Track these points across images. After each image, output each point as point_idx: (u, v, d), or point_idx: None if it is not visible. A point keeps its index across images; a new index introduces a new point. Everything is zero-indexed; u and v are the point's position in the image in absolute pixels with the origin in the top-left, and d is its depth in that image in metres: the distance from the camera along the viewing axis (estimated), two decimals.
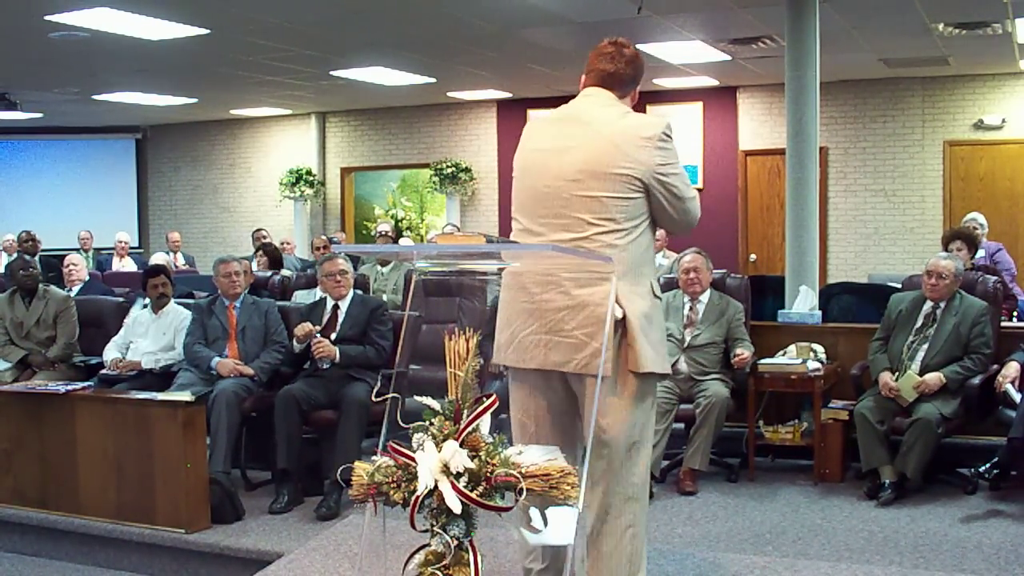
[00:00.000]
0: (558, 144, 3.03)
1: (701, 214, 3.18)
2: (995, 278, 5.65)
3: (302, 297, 7.23)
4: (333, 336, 5.36)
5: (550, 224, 2.99)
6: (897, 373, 5.18)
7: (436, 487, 2.55)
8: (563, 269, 2.95)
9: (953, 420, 5.03)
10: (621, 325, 2.94)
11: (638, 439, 3.04)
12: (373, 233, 12.35)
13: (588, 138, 3.00)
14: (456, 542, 2.56)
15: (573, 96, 3.22)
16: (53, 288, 6.58)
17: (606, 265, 2.87)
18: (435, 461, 2.56)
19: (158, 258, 9.46)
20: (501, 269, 3.14)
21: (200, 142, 15.16)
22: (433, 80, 11.23)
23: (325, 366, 5.28)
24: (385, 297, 7.65)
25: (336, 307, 5.51)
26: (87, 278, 7.87)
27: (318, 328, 5.37)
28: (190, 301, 6.25)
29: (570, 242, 2.94)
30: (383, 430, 2.84)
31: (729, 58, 9.91)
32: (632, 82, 3.16)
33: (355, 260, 8.32)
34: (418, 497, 2.56)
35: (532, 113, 10.40)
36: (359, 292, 5.80)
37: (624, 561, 3.02)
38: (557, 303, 2.95)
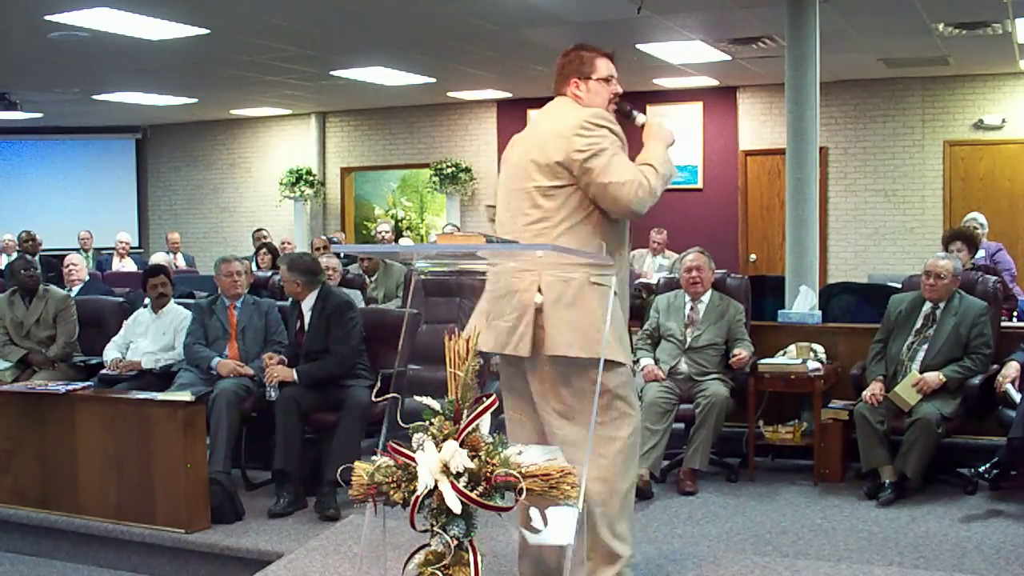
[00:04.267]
0: (515, 147, 3.31)
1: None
2: (995, 278, 5.65)
3: None
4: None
5: (504, 218, 3.26)
6: (898, 376, 5.18)
7: (436, 487, 2.55)
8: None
9: (953, 420, 5.02)
10: (540, 310, 3.09)
11: (572, 418, 3.12)
12: (373, 233, 12.35)
13: (530, 135, 3.26)
14: (456, 542, 2.57)
15: None
16: (53, 288, 6.58)
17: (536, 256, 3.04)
18: (435, 461, 2.57)
19: (158, 258, 9.38)
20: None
21: (200, 142, 15.16)
22: (433, 80, 11.24)
23: (272, 396, 5.06)
24: (376, 306, 7.46)
25: (301, 313, 5.32)
26: (87, 278, 7.87)
27: (278, 359, 5.23)
28: (190, 301, 6.25)
29: (509, 234, 3.18)
30: (383, 430, 2.84)
31: (729, 58, 9.90)
32: (564, 76, 3.32)
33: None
34: (418, 497, 2.56)
35: (532, 114, 10.36)
36: (323, 292, 5.33)
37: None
38: (500, 291, 3.20)
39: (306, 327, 5.28)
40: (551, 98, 3.41)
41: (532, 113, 11.16)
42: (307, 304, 5.32)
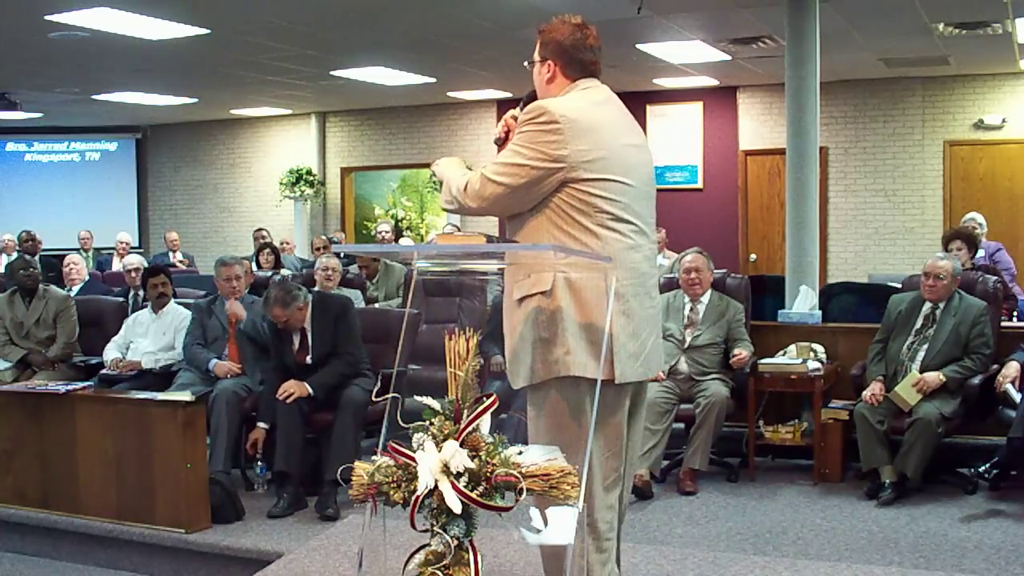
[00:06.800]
0: (639, 142, 3.04)
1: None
2: (995, 278, 5.65)
3: None
4: (308, 360, 5.14)
5: (651, 227, 3.01)
6: (898, 376, 5.18)
7: (436, 487, 2.55)
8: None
9: (953, 420, 5.02)
10: None
11: None
12: (373, 233, 12.34)
13: (645, 143, 3.10)
14: (456, 542, 2.56)
15: None
16: (53, 288, 6.58)
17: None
18: (435, 461, 2.56)
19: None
20: (502, 269, 3.13)
21: (200, 142, 15.16)
22: (433, 80, 11.24)
23: (261, 487, 5.12)
24: (377, 306, 7.45)
25: (302, 328, 5.20)
26: (87, 278, 7.87)
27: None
28: (190, 301, 6.24)
29: (652, 244, 3.05)
30: (383, 430, 2.84)
31: (729, 58, 9.90)
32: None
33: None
34: (418, 497, 2.56)
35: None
36: (315, 299, 5.26)
37: None
38: (658, 307, 3.08)
39: (310, 338, 5.16)
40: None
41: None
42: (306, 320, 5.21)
